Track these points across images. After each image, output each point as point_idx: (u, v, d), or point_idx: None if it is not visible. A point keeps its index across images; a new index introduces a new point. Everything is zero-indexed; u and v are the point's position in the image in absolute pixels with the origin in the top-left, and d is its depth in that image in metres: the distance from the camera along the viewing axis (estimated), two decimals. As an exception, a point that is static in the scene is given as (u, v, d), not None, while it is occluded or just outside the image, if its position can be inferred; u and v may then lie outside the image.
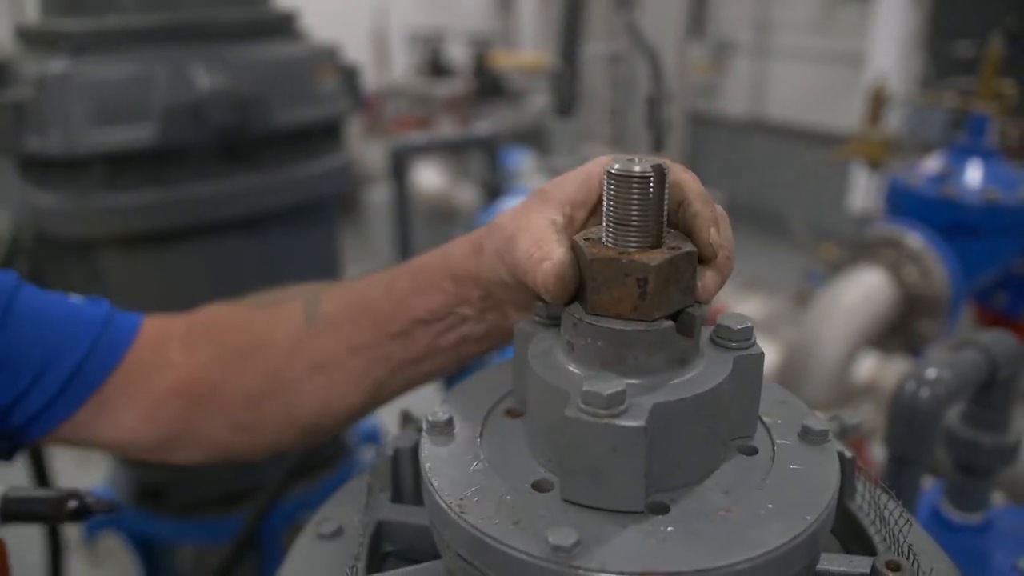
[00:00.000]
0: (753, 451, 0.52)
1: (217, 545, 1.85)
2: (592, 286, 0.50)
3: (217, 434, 0.82)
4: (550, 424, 0.49)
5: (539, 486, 0.50)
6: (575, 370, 0.51)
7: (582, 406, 0.45)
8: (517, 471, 0.51)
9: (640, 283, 0.49)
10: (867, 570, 0.50)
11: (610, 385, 0.45)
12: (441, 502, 0.48)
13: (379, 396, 0.80)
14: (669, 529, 0.45)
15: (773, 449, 0.52)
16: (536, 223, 0.58)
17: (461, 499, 0.48)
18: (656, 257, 0.49)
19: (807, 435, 0.53)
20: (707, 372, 0.50)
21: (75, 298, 0.81)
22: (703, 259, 0.53)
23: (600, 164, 0.60)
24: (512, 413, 0.58)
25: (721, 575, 0.42)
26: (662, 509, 0.47)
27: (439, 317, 0.73)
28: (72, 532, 1.99)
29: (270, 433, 0.82)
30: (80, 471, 2.93)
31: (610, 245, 0.50)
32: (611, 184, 0.49)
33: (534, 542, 0.44)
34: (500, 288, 0.66)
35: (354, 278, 0.82)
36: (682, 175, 0.56)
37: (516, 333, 0.58)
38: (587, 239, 0.52)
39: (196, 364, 0.80)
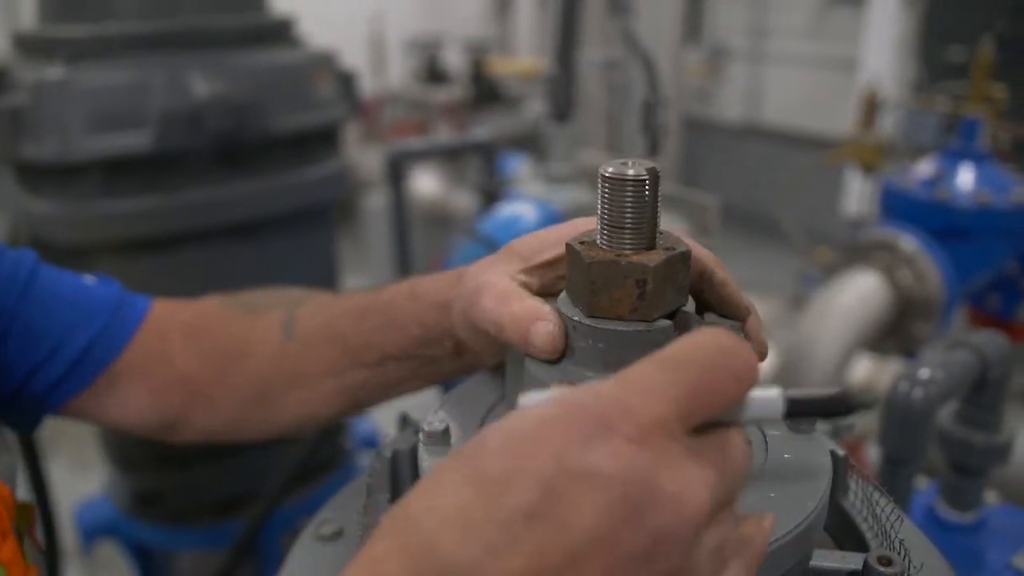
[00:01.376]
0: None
1: (215, 552, 1.85)
2: (591, 289, 0.51)
3: (211, 426, 0.86)
4: None
5: None
6: (576, 372, 0.52)
7: None
8: None
9: (639, 284, 0.50)
10: (859, 566, 0.51)
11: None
12: None
13: (360, 406, 0.82)
14: None
15: (765, 440, 0.54)
16: (495, 280, 0.58)
17: None
18: (654, 258, 0.49)
19: (795, 425, 0.55)
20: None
21: (88, 278, 0.84)
22: (739, 317, 0.55)
23: (573, 225, 0.60)
24: None
25: None
26: None
27: (411, 356, 0.73)
28: (69, 539, 1.99)
29: (258, 432, 0.85)
30: (77, 478, 2.93)
31: (605, 247, 0.51)
32: (605, 187, 0.50)
33: None
34: (473, 342, 0.65)
35: (336, 294, 0.83)
36: (699, 250, 0.56)
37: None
38: (582, 243, 0.53)
39: (192, 361, 0.83)
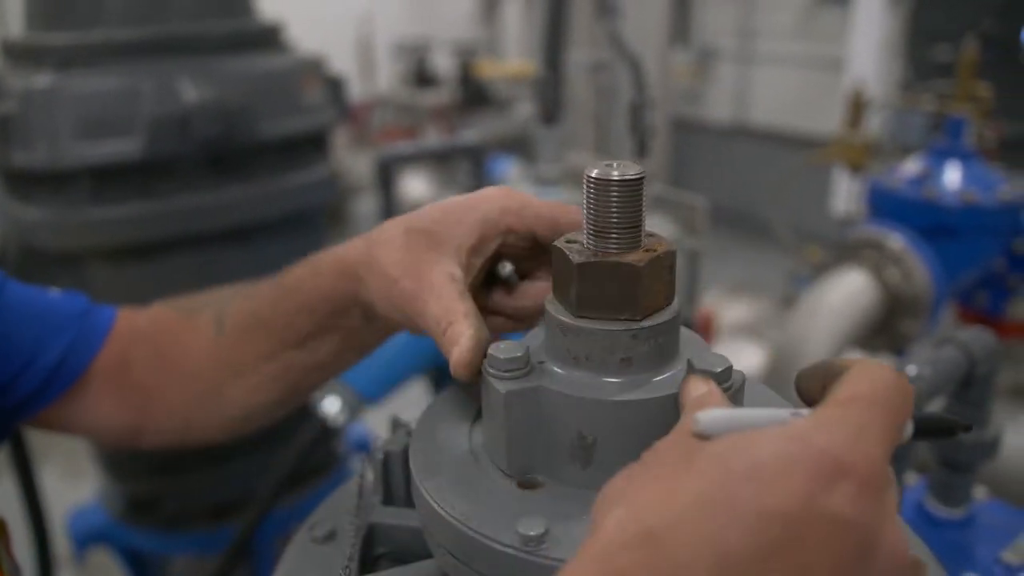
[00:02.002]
0: None
1: (208, 557, 1.85)
2: (578, 290, 0.51)
3: (170, 427, 0.88)
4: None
5: (525, 484, 0.52)
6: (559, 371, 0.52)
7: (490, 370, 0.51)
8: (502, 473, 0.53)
9: (627, 284, 0.50)
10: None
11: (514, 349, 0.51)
12: (432, 503, 0.50)
13: (301, 390, 0.84)
14: None
15: None
16: (439, 282, 0.59)
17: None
18: (641, 258, 0.50)
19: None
20: (636, 386, 0.51)
21: (53, 291, 0.85)
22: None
23: (489, 200, 0.61)
24: None
25: None
26: None
27: (327, 329, 0.74)
28: (62, 546, 1.98)
29: (212, 428, 0.87)
30: (69, 487, 2.92)
31: (592, 248, 0.51)
32: (591, 189, 0.50)
33: (507, 533, 0.46)
34: (389, 314, 0.66)
35: (258, 283, 0.85)
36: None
37: None
38: (568, 242, 0.53)
39: (147, 367, 0.85)
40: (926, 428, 0.46)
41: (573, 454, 0.51)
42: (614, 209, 0.50)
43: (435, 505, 0.50)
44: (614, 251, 0.51)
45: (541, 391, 0.50)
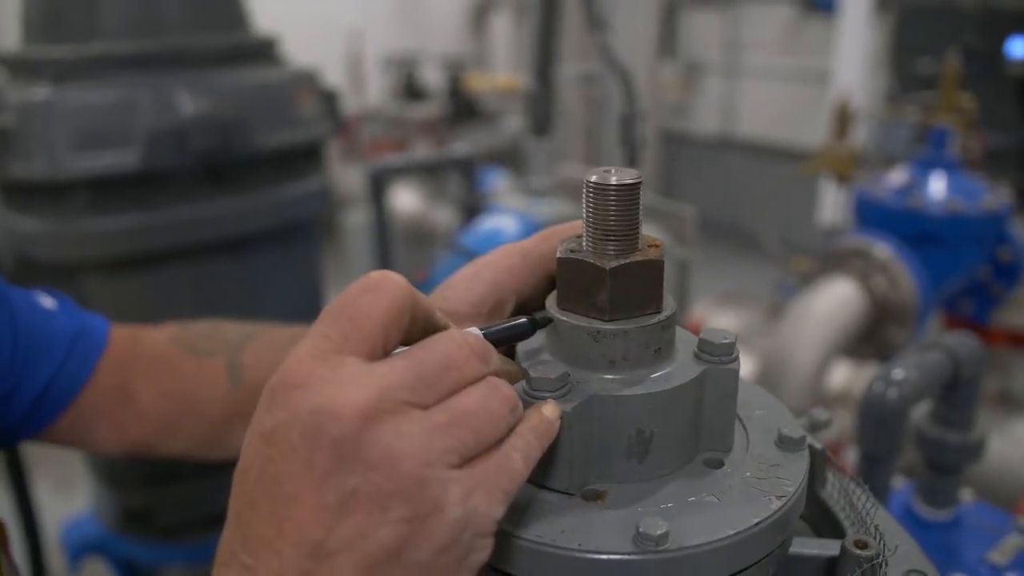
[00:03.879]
0: (719, 464, 0.54)
1: (203, 567, 1.85)
2: (611, 293, 0.52)
3: (174, 454, 0.88)
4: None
5: (590, 495, 0.51)
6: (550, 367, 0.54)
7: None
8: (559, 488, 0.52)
9: (652, 280, 0.52)
10: (837, 551, 0.53)
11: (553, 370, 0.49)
12: (525, 543, 0.47)
13: None
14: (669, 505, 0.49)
15: (747, 436, 0.56)
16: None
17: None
18: (655, 254, 0.52)
19: (783, 442, 0.55)
20: (676, 373, 0.53)
21: (46, 301, 0.82)
22: None
23: (492, 265, 0.60)
24: None
25: (698, 552, 0.45)
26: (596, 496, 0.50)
27: None
28: (55, 558, 1.98)
29: (217, 460, 0.87)
30: (61, 498, 2.91)
31: (590, 251, 0.53)
32: (591, 194, 0.52)
33: (624, 542, 0.45)
34: None
35: (277, 330, 0.85)
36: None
37: None
38: (572, 251, 0.54)
39: (152, 398, 0.84)
40: (498, 339, 0.51)
41: (630, 451, 0.51)
42: (613, 213, 0.52)
43: (529, 543, 0.46)
44: (623, 252, 0.52)
45: (595, 401, 0.50)
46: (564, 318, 0.53)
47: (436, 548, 0.40)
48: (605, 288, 0.51)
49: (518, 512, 0.48)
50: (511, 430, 0.45)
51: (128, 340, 0.86)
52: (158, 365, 0.85)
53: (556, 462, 0.50)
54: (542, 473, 0.50)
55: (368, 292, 0.44)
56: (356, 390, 0.40)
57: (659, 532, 0.44)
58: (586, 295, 0.52)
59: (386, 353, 0.44)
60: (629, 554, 0.45)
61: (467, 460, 0.42)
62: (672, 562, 0.45)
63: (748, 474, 0.52)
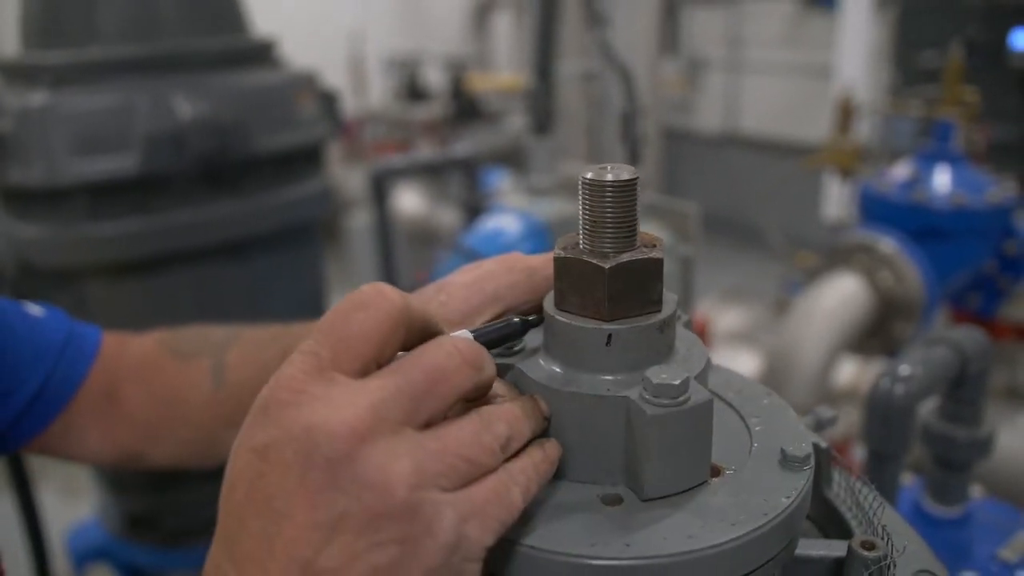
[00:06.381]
0: (720, 471, 0.52)
1: (208, 572, 1.84)
2: (558, 285, 0.52)
3: (163, 462, 0.87)
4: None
5: (608, 500, 0.49)
6: (560, 370, 0.52)
7: (660, 400, 0.46)
8: (575, 497, 0.50)
9: (653, 278, 0.51)
10: (843, 552, 0.52)
11: (674, 375, 0.47)
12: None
13: None
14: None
15: (750, 433, 0.55)
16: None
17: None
18: (636, 255, 0.51)
19: (786, 460, 0.52)
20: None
21: (35, 309, 0.81)
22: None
23: (494, 279, 0.59)
24: None
25: (702, 556, 0.44)
26: (616, 500, 0.49)
27: None
28: (61, 564, 1.98)
29: (208, 465, 0.85)
30: (67, 504, 2.91)
31: (587, 249, 0.52)
32: (585, 191, 0.51)
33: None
34: None
35: (260, 331, 0.83)
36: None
37: None
38: (568, 249, 0.54)
39: (141, 403, 0.83)
40: (490, 341, 0.50)
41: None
42: (608, 211, 0.51)
43: (529, 549, 0.45)
44: (610, 251, 0.51)
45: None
46: (561, 318, 0.52)
47: (425, 571, 0.39)
48: (603, 287, 0.50)
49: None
50: (512, 452, 0.45)
51: (117, 346, 0.85)
52: (145, 369, 0.84)
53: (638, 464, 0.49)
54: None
55: (360, 309, 0.43)
56: (349, 408, 0.39)
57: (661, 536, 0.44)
58: (583, 295, 0.51)
59: (380, 367, 0.43)
60: (631, 559, 0.44)
61: (461, 485, 0.41)
62: (673, 567, 0.44)
63: (751, 478, 0.51)
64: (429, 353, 0.43)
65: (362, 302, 0.43)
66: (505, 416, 0.46)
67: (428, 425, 0.42)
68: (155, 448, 0.85)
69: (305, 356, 0.42)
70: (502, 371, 0.53)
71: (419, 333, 0.46)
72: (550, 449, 0.48)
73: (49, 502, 1.94)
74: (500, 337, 0.52)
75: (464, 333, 0.50)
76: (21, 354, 0.76)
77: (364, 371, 0.42)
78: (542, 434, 0.50)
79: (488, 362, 0.46)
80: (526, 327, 0.53)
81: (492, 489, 0.42)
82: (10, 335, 0.76)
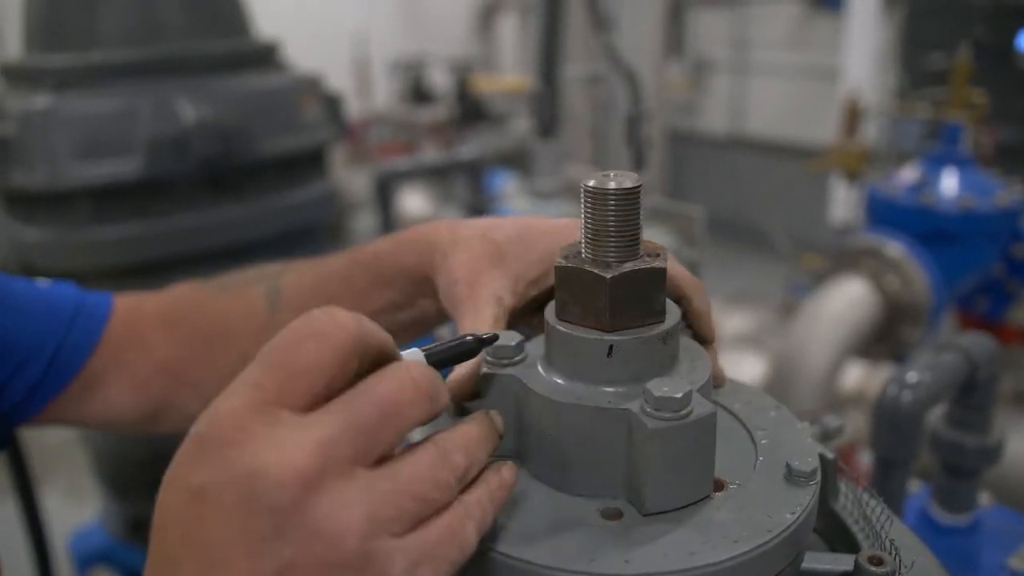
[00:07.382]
0: (723, 485, 0.51)
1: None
2: (560, 295, 0.51)
3: (199, 406, 0.84)
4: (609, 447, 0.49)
5: (608, 514, 0.48)
6: (562, 381, 0.51)
7: (661, 413, 0.45)
8: (574, 511, 0.49)
9: (619, 293, 0.50)
10: (850, 567, 0.51)
11: (676, 387, 0.46)
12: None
13: None
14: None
15: (755, 444, 0.54)
16: (483, 301, 0.58)
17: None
18: (639, 265, 0.50)
19: (792, 476, 0.51)
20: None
21: (42, 282, 0.81)
22: (704, 341, 0.58)
23: (565, 234, 0.61)
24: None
25: (704, 573, 0.43)
26: (616, 514, 0.48)
27: (400, 307, 0.73)
28: (63, 567, 1.98)
29: None
30: (70, 507, 2.91)
31: (589, 258, 0.51)
32: (588, 199, 0.50)
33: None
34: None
35: (312, 262, 0.82)
36: (680, 273, 0.58)
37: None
38: (564, 255, 0.53)
39: (172, 347, 0.82)
40: (443, 360, 0.48)
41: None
42: (611, 219, 0.50)
43: (523, 564, 0.44)
44: (612, 260, 0.50)
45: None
46: (562, 328, 0.51)
47: None
48: (604, 298, 0.49)
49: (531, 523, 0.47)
50: (468, 480, 0.44)
51: (134, 302, 0.84)
52: (176, 312, 0.83)
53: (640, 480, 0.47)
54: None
55: (310, 339, 0.40)
56: (295, 451, 0.37)
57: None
58: (585, 304, 0.50)
59: (329, 399, 0.40)
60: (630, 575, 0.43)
61: (413, 526, 0.40)
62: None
63: (755, 493, 0.50)
64: (383, 385, 0.41)
65: (313, 330, 0.41)
66: (462, 444, 0.44)
67: (380, 460, 0.40)
68: (190, 393, 0.82)
69: (247, 388, 0.39)
70: (502, 380, 0.52)
71: (373, 361, 0.44)
72: (506, 473, 0.45)
73: (52, 505, 1.93)
74: (453, 356, 0.50)
75: (416, 353, 0.48)
76: (34, 322, 0.76)
77: (312, 405, 0.39)
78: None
79: (442, 390, 0.44)
80: (480, 345, 0.51)
81: (446, 527, 0.41)
82: (18, 311, 0.76)
